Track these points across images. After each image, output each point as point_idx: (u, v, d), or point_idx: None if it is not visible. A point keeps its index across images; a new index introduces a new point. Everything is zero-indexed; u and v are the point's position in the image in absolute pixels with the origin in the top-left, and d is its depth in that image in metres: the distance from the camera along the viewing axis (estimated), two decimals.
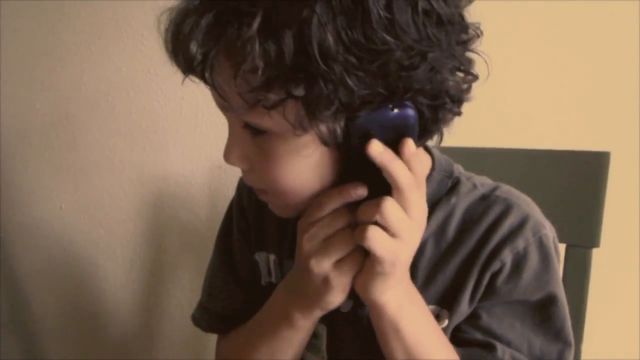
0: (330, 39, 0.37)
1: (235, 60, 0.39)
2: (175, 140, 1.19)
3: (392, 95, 0.41)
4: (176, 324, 1.32)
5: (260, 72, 0.38)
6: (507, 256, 0.53)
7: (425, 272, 0.56)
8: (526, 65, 0.93)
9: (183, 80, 0.48)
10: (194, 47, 0.41)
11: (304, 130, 0.42)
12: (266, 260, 0.66)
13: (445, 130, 0.49)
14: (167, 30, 0.44)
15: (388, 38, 0.38)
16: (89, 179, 1.27)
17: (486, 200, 0.56)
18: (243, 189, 0.69)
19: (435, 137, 0.50)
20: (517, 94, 0.94)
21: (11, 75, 1.26)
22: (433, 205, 0.56)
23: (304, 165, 0.46)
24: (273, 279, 0.65)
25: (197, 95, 1.14)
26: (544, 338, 0.54)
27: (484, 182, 0.59)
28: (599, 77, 0.90)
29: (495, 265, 0.53)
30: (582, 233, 0.72)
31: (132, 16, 1.15)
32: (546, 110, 0.93)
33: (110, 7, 1.16)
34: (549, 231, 0.55)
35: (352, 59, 0.38)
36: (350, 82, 0.38)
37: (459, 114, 0.48)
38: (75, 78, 1.22)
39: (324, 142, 0.44)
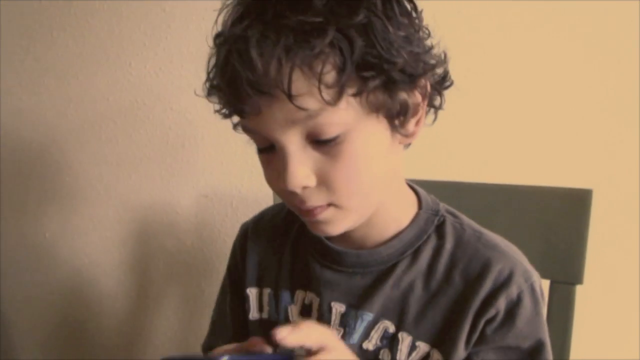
0: (390, 30, 0.46)
1: (314, 68, 0.45)
2: (162, 169, 1.19)
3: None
4: (160, 354, 1.30)
5: (336, 72, 0.45)
6: (501, 303, 0.54)
7: (416, 308, 0.57)
8: (510, 103, 0.95)
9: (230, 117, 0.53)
10: (271, 68, 0.45)
11: (387, 112, 0.50)
12: (258, 294, 0.68)
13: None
14: (228, 52, 0.47)
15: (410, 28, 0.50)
16: (75, 207, 1.27)
17: (475, 244, 0.58)
18: (245, 230, 0.73)
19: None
20: (502, 131, 0.96)
21: None
22: (420, 243, 0.59)
23: (379, 152, 0.52)
24: (265, 314, 0.67)
25: (184, 124, 1.15)
26: None
27: (469, 224, 0.60)
28: (582, 115, 0.92)
29: (491, 312, 0.54)
30: (566, 270, 0.72)
31: (120, 45, 1.16)
32: (530, 147, 0.94)
33: (98, 36, 1.17)
34: (537, 277, 0.57)
35: (404, 44, 0.47)
36: (409, 60, 0.48)
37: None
38: (62, 106, 1.22)
39: (394, 116, 0.51)
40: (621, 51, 0.89)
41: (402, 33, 0.48)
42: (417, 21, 0.51)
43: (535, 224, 0.74)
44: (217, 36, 0.51)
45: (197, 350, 0.79)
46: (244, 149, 1.18)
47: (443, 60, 0.54)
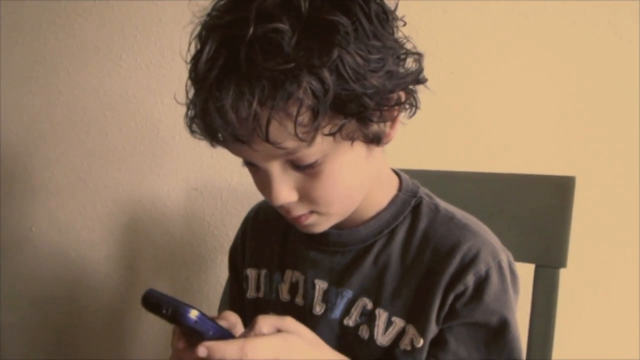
0: (361, 61, 0.47)
1: (290, 112, 0.46)
2: (151, 163, 1.19)
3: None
4: (148, 349, 1.30)
5: (311, 113, 0.47)
6: (470, 279, 0.57)
7: (392, 285, 0.61)
8: (494, 92, 0.98)
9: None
10: (248, 121, 0.46)
11: (353, 140, 0.52)
12: (257, 275, 0.72)
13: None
14: (205, 104, 0.47)
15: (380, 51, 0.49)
16: (62, 200, 1.26)
17: (447, 223, 0.61)
18: (248, 215, 0.78)
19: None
20: (487, 120, 0.98)
21: None
22: (397, 223, 0.62)
23: (354, 162, 0.55)
24: (261, 293, 0.71)
25: (175, 117, 1.15)
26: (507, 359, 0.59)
27: (446, 206, 0.64)
28: (566, 105, 0.95)
29: (459, 288, 0.57)
30: (550, 254, 0.74)
31: (111, 39, 1.16)
32: (516, 135, 0.97)
33: (89, 30, 1.17)
34: (505, 256, 0.60)
35: (378, 67, 0.48)
36: (378, 85, 0.48)
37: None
38: (51, 99, 1.22)
39: (369, 140, 0.53)
40: (602, 41, 0.92)
41: (375, 56, 0.48)
42: (392, 30, 0.52)
43: (520, 211, 0.76)
44: (193, 71, 0.50)
45: None
46: None
47: (419, 66, 0.54)
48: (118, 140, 1.20)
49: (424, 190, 0.65)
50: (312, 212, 0.56)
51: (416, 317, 0.59)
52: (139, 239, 1.23)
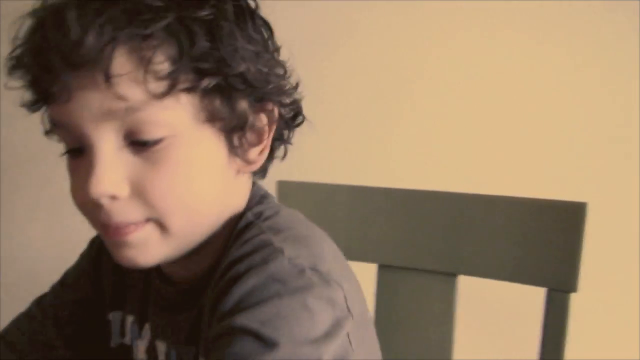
0: (238, 38, 0.43)
1: (144, 52, 0.39)
2: None
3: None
4: None
5: (170, 64, 0.40)
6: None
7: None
8: (507, 115, 0.99)
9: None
10: (89, 36, 0.38)
11: (224, 125, 0.45)
12: (121, 320, 0.60)
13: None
14: (39, 23, 0.41)
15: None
16: (62, 215, 1.24)
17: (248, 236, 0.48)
18: (97, 245, 0.64)
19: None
20: (500, 143, 1.00)
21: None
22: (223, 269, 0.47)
23: (208, 162, 0.46)
24: (126, 340, 0.60)
25: None
26: None
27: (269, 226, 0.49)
28: (578, 129, 0.97)
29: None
30: (561, 278, 0.75)
31: None
32: (528, 159, 0.99)
33: None
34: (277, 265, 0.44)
35: (252, 58, 0.45)
36: (253, 73, 0.45)
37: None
38: None
39: (233, 133, 0.46)
40: (616, 63, 0.94)
41: (251, 47, 0.45)
42: (269, 44, 0.49)
43: (533, 235, 0.77)
44: (33, 8, 0.43)
45: None
46: None
47: (294, 93, 0.51)
48: None
49: (262, 207, 0.52)
50: (148, 220, 0.44)
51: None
52: None
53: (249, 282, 0.41)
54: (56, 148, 1.22)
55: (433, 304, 0.80)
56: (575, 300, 0.75)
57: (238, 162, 0.48)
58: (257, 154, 0.49)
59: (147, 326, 0.57)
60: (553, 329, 0.75)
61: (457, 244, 0.78)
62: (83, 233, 1.22)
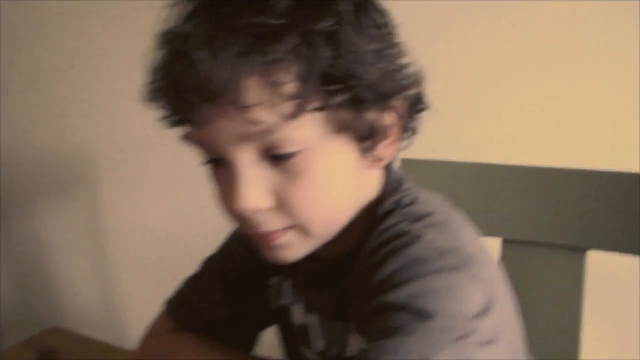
0: (360, 42, 0.43)
1: (272, 76, 0.40)
2: None
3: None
4: None
5: (298, 84, 0.41)
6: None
7: (364, 308, 0.49)
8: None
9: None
10: (219, 73, 0.40)
11: (344, 131, 0.46)
12: (279, 284, 0.65)
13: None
14: (172, 57, 0.43)
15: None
16: (189, 185, 1.36)
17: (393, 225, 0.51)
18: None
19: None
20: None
21: (122, 90, 1.37)
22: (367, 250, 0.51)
23: (342, 169, 0.48)
24: (287, 302, 0.65)
25: None
26: None
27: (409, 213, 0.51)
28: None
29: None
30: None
31: None
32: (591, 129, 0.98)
33: None
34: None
35: (375, 59, 0.44)
36: (379, 77, 0.44)
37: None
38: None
39: (362, 137, 0.47)
40: None
41: (373, 47, 0.44)
42: (391, 36, 0.48)
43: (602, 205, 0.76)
44: (163, 34, 0.45)
45: None
46: None
47: (418, 81, 0.50)
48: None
49: (404, 191, 0.54)
50: (289, 227, 0.47)
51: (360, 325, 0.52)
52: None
53: (392, 266, 0.44)
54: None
55: (560, 280, 0.80)
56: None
57: (368, 160, 0.50)
58: (386, 150, 0.51)
59: (301, 294, 0.62)
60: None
61: (585, 218, 0.77)
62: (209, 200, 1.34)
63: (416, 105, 0.52)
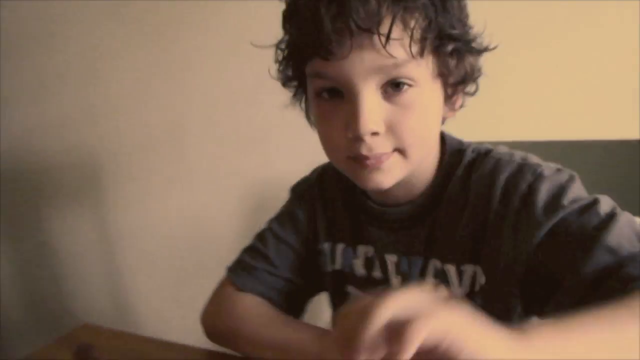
0: (459, 12, 0.56)
1: (408, 22, 0.51)
2: (279, 147, 1.30)
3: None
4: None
5: (423, 31, 0.52)
6: (515, 202, 0.57)
7: (451, 240, 0.62)
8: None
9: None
10: (381, 9, 0.50)
11: (447, 79, 0.57)
12: (331, 249, 0.73)
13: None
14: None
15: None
16: (195, 185, 1.40)
17: (490, 168, 0.61)
18: (303, 193, 0.77)
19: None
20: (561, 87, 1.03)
21: (126, 93, 1.40)
22: (446, 180, 0.64)
23: (436, 112, 0.58)
24: (338, 266, 0.73)
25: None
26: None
27: (495, 154, 0.63)
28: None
29: (510, 216, 0.57)
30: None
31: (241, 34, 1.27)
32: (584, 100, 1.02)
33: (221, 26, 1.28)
34: (550, 171, 0.58)
35: (466, 19, 0.57)
36: (471, 37, 0.57)
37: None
38: (188, 93, 1.35)
39: (451, 86, 0.58)
40: None
41: (464, 14, 0.57)
42: (467, 9, 0.59)
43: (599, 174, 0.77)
44: None
45: None
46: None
47: (486, 47, 0.60)
48: (247, 130, 1.32)
49: (472, 146, 0.66)
50: (394, 150, 0.56)
51: (480, 258, 0.60)
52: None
53: (542, 192, 0.55)
54: (187, 126, 1.36)
55: None
56: None
57: (446, 109, 0.61)
58: (458, 103, 0.61)
59: (360, 248, 0.70)
60: None
61: None
62: (216, 197, 1.35)
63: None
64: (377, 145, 0.54)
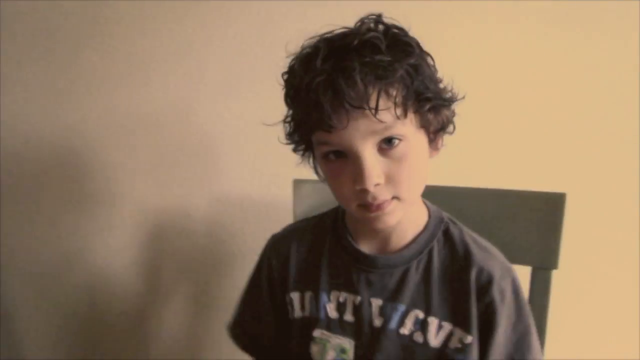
0: (429, 71, 0.66)
1: (390, 93, 0.62)
2: (176, 175, 1.28)
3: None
4: (170, 350, 1.38)
5: (402, 97, 0.63)
6: (494, 292, 0.71)
7: (437, 297, 0.73)
8: (492, 110, 1.09)
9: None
10: (367, 89, 0.60)
11: (428, 129, 0.68)
12: (300, 298, 0.81)
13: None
14: (332, 79, 0.61)
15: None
16: (90, 210, 1.35)
17: (472, 244, 0.75)
18: (274, 248, 0.85)
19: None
20: (490, 139, 1.10)
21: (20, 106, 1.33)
22: (432, 245, 0.75)
23: (424, 157, 0.69)
24: (307, 313, 0.80)
25: (199, 132, 1.24)
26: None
27: (464, 229, 0.77)
28: (559, 122, 1.07)
29: (486, 299, 0.71)
30: (544, 257, 0.86)
31: (142, 61, 1.24)
32: (515, 154, 1.10)
33: (121, 49, 1.25)
34: (514, 273, 0.74)
35: (436, 78, 0.68)
36: (443, 92, 0.69)
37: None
38: (84, 113, 1.30)
39: (432, 133, 0.69)
40: (598, 58, 1.04)
41: (434, 72, 0.68)
42: (434, 65, 0.70)
43: (520, 222, 0.88)
44: (306, 71, 0.64)
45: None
46: (255, 156, 1.26)
47: (455, 96, 0.72)
48: (145, 154, 1.29)
49: (445, 215, 0.78)
50: (393, 198, 0.66)
51: (460, 320, 0.71)
52: (163, 246, 1.32)
53: (509, 296, 0.71)
54: (83, 148, 1.30)
55: None
56: (558, 277, 0.86)
57: (431, 150, 0.71)
58: (440, 143, 0.72)
59: (334, 293, 0.78)
60: (538, 301, 0.86)
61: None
62: (111, 223, 1.29)
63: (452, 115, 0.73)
64: (379, 193, 0.65)
